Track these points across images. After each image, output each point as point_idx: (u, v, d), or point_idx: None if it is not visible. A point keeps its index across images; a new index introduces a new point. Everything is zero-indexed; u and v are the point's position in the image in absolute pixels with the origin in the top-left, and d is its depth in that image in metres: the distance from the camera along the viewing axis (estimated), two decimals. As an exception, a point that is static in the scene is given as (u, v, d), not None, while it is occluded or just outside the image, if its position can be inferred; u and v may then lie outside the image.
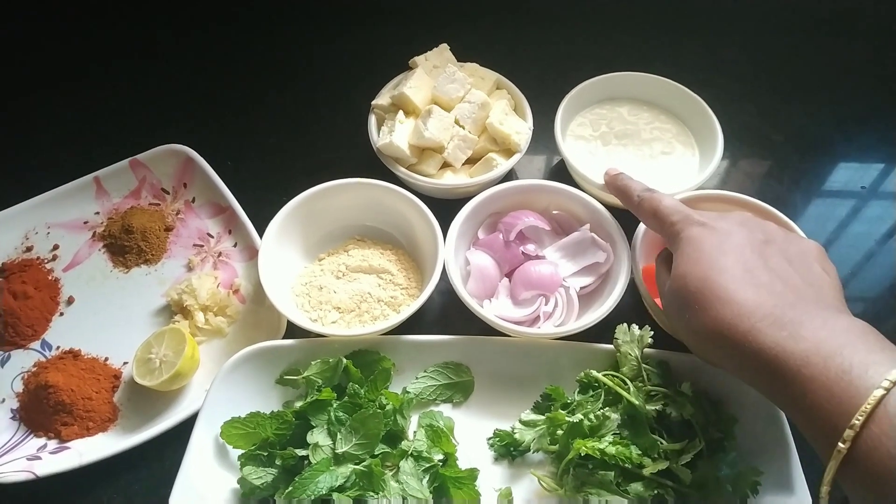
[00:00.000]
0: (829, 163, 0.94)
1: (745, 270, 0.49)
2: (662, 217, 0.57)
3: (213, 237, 0.82)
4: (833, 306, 0.48)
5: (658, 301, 0.70)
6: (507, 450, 0.64)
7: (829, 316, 0.45)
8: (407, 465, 0.60)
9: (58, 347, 0.74)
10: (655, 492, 0.57)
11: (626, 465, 0.57)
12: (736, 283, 0.48)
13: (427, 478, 0.60)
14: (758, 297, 0.46)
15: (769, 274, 0.49)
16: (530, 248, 0.75)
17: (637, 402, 0.59)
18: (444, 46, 0.89)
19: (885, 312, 0.80)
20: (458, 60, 0.89)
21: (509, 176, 0.86)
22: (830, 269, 0.54)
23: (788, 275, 0.50)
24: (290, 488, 0.56)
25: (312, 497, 0.56)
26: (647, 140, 0.87)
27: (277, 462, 0.60)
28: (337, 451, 0.59)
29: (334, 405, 0.62)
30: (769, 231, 0.55)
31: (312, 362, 0.65)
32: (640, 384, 0.62)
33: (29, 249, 0.80)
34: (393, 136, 0.78)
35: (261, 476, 0.59)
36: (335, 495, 0.56)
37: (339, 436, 0.60)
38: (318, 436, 0.60)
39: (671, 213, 0.57)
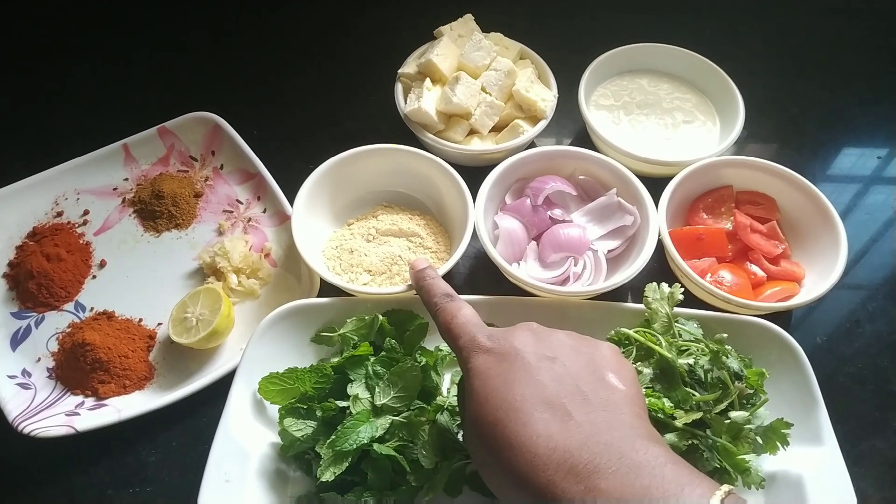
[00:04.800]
0: (847, 133, 0.96)
1: (533, 405, 0.46)
2: (453, 336, 0.53)
3: (242, 203, 0.83)
4: (629, 430, 0.44)
5: (687, 264, 0.71)
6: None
7: (625, 451, 0.42)
8: (443, 417, 0.61)
9: (91, 309, 0.75)
10: (690, 442, 0.58)
11: (660, 416, 0.58)
12: (525, 427, 0.45)
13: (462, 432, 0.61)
14: (549, 440, 0.43)
15: (558, 402, 0.46)
16: (557, 212, 0.76)
17: (669, 356, 0.60)
18: (469, 16, 0.90)
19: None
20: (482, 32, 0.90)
21: (531, 146, 0.86)
22: (626, 375, 0.50)
23: (578, 400, 0.46)
24: (333, 437, 0.57)
25: (354, 446, 0.57)
26: (668, 109, 0.88)
27: (318, 414, 0.61)
28: (376, 404, 0.60)
29: (371, 360, 0.63)
30: (556, 343, 0.51)
31: (348, 320, 0.66)
32: (672, 339, 0.63)
33: (59, 214, 0.81)
34: (421, 101, 0.79)
35: (301, 428, 0.60)
36: (375, 445, 0.57)
37: (377, 389, 0.61)
38: (356, 389, 0.61)
39: (460, 333, 0.53)
